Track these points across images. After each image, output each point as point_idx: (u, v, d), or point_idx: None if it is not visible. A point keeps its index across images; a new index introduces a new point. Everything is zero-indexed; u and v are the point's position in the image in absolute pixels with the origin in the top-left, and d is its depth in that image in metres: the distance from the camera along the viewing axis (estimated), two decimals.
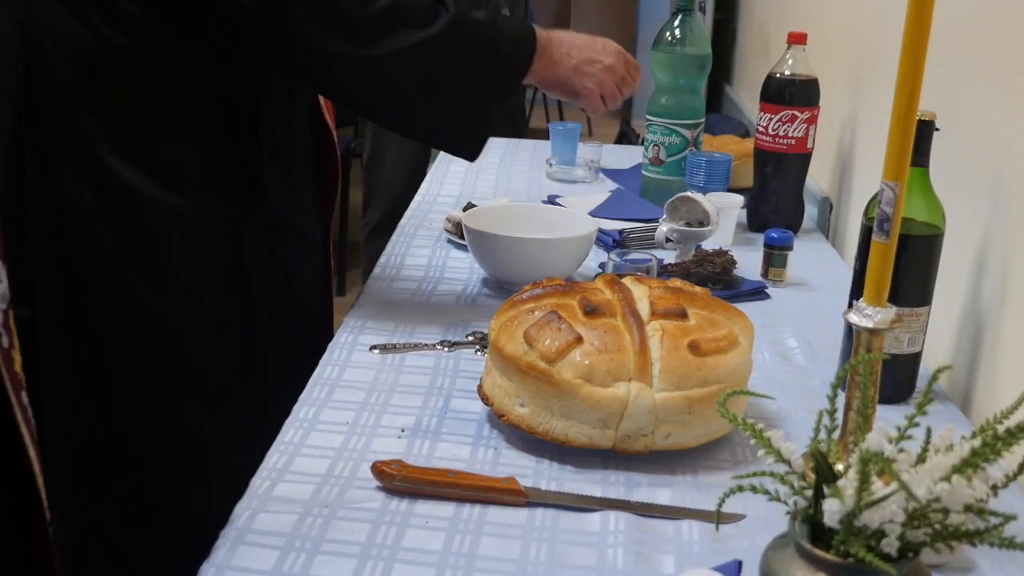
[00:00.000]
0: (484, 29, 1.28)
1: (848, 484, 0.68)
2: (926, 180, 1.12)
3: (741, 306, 1.35)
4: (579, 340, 1.02)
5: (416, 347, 1.27)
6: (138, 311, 1.23)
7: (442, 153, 2.31)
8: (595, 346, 1.01)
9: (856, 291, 1.18)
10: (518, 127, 3.00)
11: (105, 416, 1.26)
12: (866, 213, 1.16)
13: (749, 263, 1.58)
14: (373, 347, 1.27)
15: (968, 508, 0.67)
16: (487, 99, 1.32)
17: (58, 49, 1.15)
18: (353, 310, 1.39)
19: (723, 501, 0.73)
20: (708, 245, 1.60)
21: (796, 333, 1.37)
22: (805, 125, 1.71)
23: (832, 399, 0.74)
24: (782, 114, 1.71)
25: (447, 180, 2.10)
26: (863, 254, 1.16)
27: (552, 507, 0.95)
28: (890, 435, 0.71)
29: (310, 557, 0.86)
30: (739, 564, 0.85)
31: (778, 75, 1.71)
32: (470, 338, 1.31)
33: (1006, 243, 1.14)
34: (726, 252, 1.52)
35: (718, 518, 0.77)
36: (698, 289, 1.16)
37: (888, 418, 1.02)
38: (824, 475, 0.71)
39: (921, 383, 1.19)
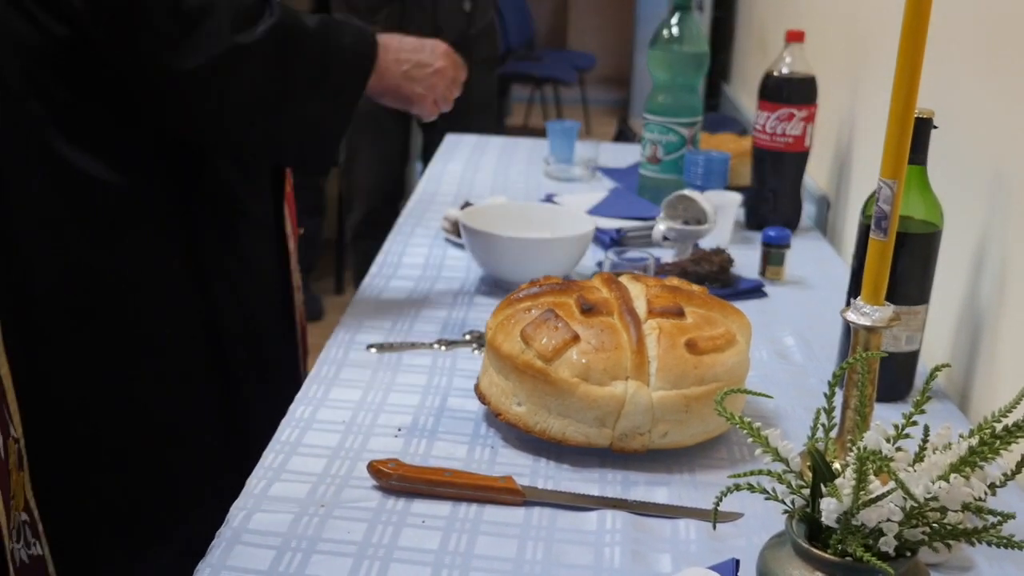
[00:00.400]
0: (314, 36, 1.24)
1: (846, 483, 0.68)
2: (924, 178, 1.12)
3: (739, 304, 1.35)
4: (576, 339, 1.01)
5: (413, 346, 1.27)
6: (94, 297, 1.23)
7: (438, 153, 2.31)
8: (592, 345, 1.01)
9: (854, 289, 1.18)
10: (499, 116, 2.93)
11: (77, 396, 1.25)
12: (864, 211, 1.16)
13: (747, 261, 1.58)
14: (370, 346, 1.27)
15: (966, 507, 0.67)
16: (330, 112, 1.27)
17: (2, 42, 1.16)
18: (350, 309, 1.39)
19: (720, 500, 0.73)
20: (706, 243, 1.60)
21: (794, 331, 1.37)
22: (803, 123, 1.71)
23: (830, 397, 0.74)
24: (780, 112, 1.70)
25: (444, 179, 2.10)
26: (861, 252, 1.16)
27: (549, 506, 0.95)
28: (888, 433, 0.71)
29: (306, 557, 0.86)
30: (736, 563, 0.85)
31: (776, 73, 1.71)
32: (467, 337, 1.30)
33: (1004, 241, 1.13)
34: (723, 250, 1.51)
35: (715, 517, 0.77)
36: (695, 287, 1.16)
37: (886, 416, 1.03)
38: (822, 474, 0.71)
39: (919, 381, 1.19)
